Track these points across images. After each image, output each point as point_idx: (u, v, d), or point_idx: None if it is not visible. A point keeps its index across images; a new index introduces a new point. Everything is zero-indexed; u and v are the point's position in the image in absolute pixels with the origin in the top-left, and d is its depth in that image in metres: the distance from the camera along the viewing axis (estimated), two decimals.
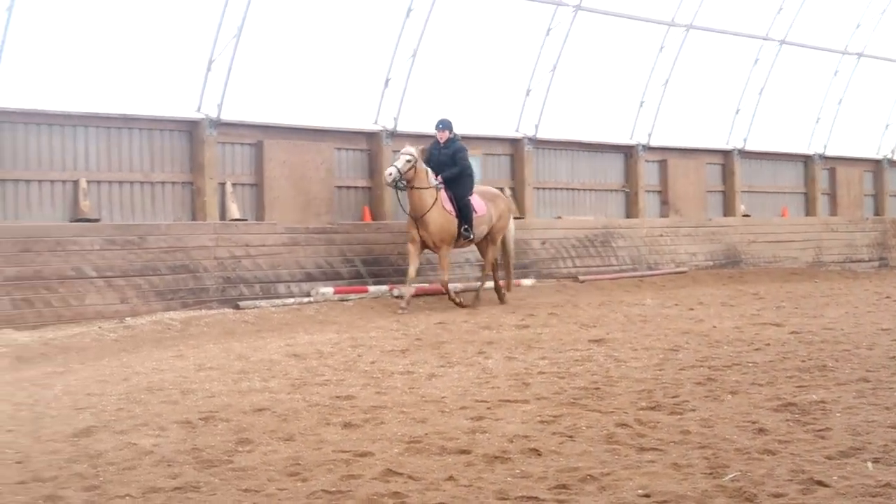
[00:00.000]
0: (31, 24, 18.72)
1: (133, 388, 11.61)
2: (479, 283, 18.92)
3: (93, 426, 9.52)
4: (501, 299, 18.36)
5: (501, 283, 18.83)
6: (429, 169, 16.61)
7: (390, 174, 15.95)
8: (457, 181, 16.78)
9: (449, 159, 16.74)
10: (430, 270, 21.30)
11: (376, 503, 6.64)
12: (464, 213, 16.62)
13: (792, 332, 14.92)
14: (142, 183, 19.86)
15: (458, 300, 17.06)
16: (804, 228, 32.42)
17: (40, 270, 16.81)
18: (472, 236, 16.96)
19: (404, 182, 16.40)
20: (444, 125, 16.95)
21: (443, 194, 16.70)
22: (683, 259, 27.80)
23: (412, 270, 16.43)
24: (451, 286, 17.91)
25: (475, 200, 17.08)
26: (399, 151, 15.88)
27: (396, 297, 18.03)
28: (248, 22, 20.34)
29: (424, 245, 16.72)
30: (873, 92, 33.21)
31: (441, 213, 16.42)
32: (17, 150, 18.41)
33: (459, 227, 16.68)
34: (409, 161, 15.96)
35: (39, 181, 18.69)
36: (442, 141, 16.97)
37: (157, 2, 19.88)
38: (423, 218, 16.31)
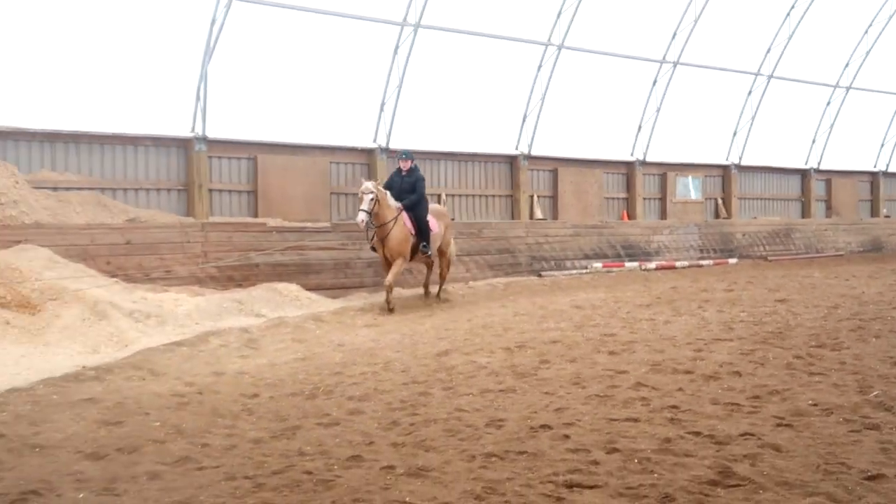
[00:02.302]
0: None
1: (474, 325, 14.12)
2: (437, 287, 18.41)
3: (448, 349, 11.66)
4: (428, 296, 18.04)
5: (433, 286, 18.37)
6: (387, 192, 15.92)
7: (362, 220, 15.34)
8: (416, 205, 16.17)
9: (410, 187, 16.10)
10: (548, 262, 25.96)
11: (630, 404, 8.07)
12: (423, 232, 16.14)
13: None
14: (480, 196, 25.23)
15: (390, 305, 16.00)
16: None
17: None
18: (430, 252, 16.54)
19: (373, 222, 15.69)
20: (407, 155, 16.42)
21: (403, 214, 16.04)
22: (841, 246, 32.09)
23: (392, 282, 15.91)
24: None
25: (430, 220, 16.47)
26: (361, 192, 15.29)
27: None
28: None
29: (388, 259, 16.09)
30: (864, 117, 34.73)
31: (401, 230, 15.82)
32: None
33: (418, 244, 16.16)
34: (372, 199, 15.15)
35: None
36: (405, 169, 16.32)
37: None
38: (386, 236, 15.75)
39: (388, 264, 15.98)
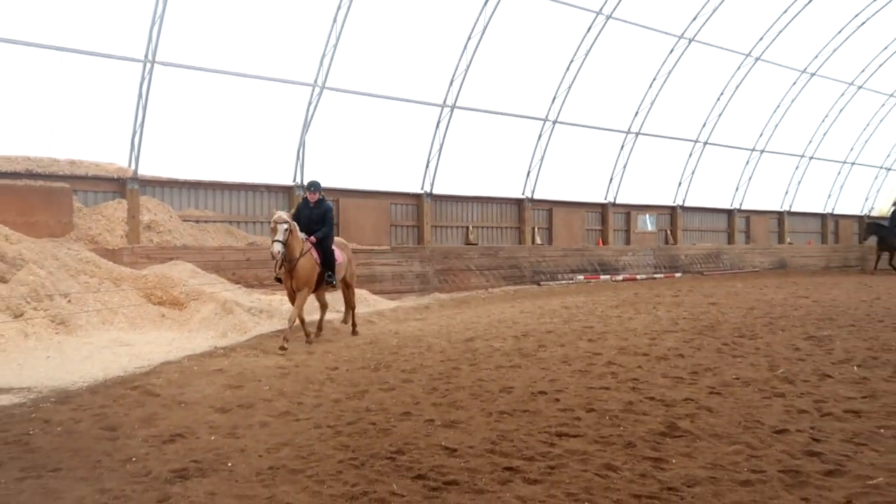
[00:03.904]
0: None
1: (491, 320, 14.15)
2: (342, 316, 13.57)
3: (473, 336, 11.77)
4: (354, 329, 12.78)
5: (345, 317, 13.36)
6: (295, 224, 11.38)
7: (278, 251, 10.96)
8: (324, 240, 11.85)
9: (320, 217, 11.81)
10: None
11: (603, 377, 8.19)
12: (328, 261, 11.85)
13: (814, 301, 16.79)
14: (496, 227, 25.17)
15: (308, 337, 11.67)
16: (819, 250, 36.28)
17: (452, 266, 21.64)
18: (335, 282, 12.11)
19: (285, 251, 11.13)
20: (315, 187, 12.00)
21: (312, 248, 11.61)
22: (757, 265, 31.90)
23: (299, 313, 11.28)
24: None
25: (336, 251, 12.14)
26: (274, 221, 11.10)
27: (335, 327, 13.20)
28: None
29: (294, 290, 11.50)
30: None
31: (309, 261, 11.46)
32: (445, 212, 23.86)
33: (323, 273, 11.77)
34: (286, 230, 10.98)
35: (454, 227, 24.07)
36: (312, 201, 11.97)
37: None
38: (295, 267, 11.28)
39: (293, 295, 11.51)
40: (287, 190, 20.19)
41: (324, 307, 12.70)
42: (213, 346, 11.12)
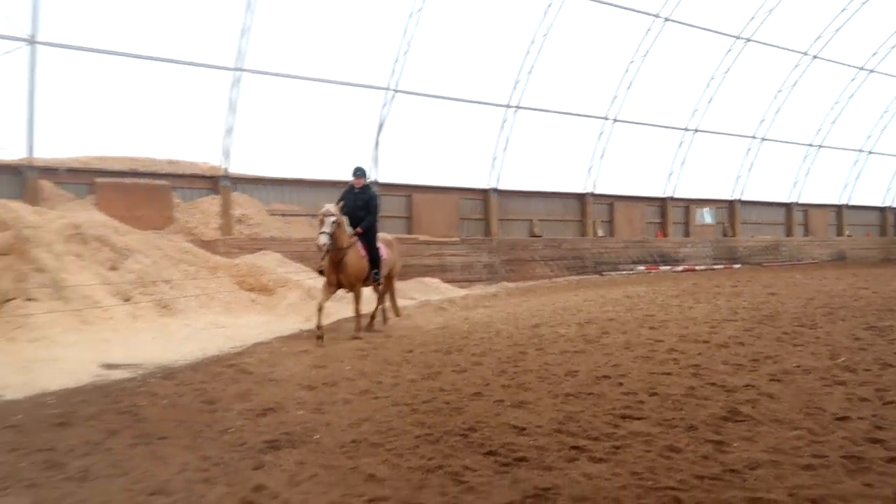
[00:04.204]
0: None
1: (556, 308, 13.92)
2: (378, 309, 12.12)
3: (539, 323, 11.55)
4: (385, 321, 12.07)
5: (388, 311, 12.31)
6: (344, 217, 10.51)
7: (325, 244, 10.06)
8: (372, 227, 10.97)
9: (364, 204, 10.86)
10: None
11: (665, 363, 7.89)
12: (374, 258, 11.02)
13: (874, 292, 16.01)
14: (560, 221, 24.90)
15: (359, 334, 10.66)
16: (878, 243, 34.82)
17: (517, 257, 21.66)
18: (380, 280, 11.31)
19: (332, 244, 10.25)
20: (361, 172, 11.12)
21: (357, 240, 10.75)
22: (815, 257, 30.87)
23: (323, 303, 10.35)
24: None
25: (380, 247, 11.28)
26: (321, 214, 10.20)
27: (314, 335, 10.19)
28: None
29: (340, 285, 10.68)
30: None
31: (357, 256, 10.63)
32: (511, 206, 23.80)
33: (370, 270, 10.95)
34: (334, 222, 10.10)
35: (519, 220, 23.95)
36: (357, 187, 11.04)
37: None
38: (342, 261, 10.43)
39: (330, 288, 10.65)
40: None
41: (380, 299, 11.94)
42: (299, 328, 11.31)
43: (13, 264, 10.79)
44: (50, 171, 15.41)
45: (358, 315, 10.76)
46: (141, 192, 16.16)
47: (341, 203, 10.46)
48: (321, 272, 10.90)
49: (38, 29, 14.65)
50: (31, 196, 14.80)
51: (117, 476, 4.59)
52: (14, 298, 10.31)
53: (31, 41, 14.67)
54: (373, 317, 11.86)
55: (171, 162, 17.31)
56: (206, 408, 6.32)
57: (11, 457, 4.98)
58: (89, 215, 13.96)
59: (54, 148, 15.69)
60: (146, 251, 13.24)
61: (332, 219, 10.02)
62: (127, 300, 11.69)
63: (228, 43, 17.21)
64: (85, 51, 15.59)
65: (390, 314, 12.06)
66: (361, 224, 10.71)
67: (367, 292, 11.43)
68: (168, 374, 7.85)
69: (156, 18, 16.38)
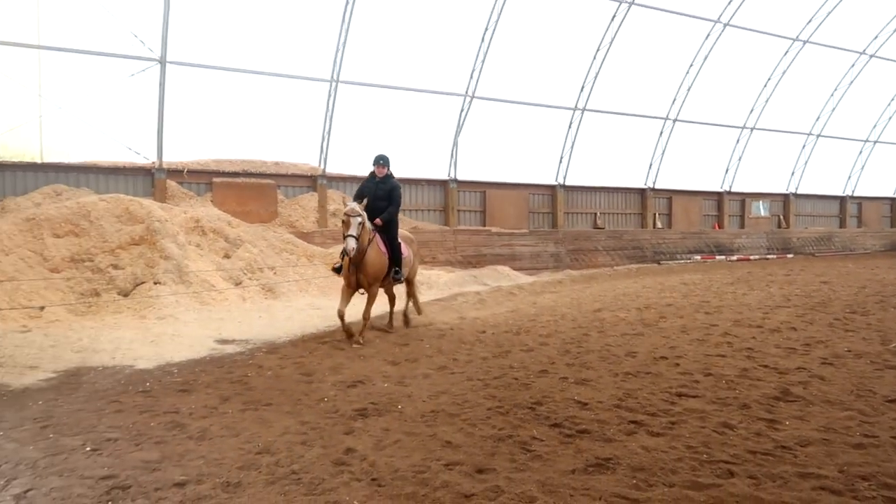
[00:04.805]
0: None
1: (616, 294, 13.63)
2: (403, 309, 10.10)
3: (601, 308, 11.40)
4: (407, 323, 9.90)
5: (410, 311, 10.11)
6: (365, 215, 8.56)
7: (353, 248, 8.25)
8: (390, 223, 9.07)
9: (386, 195, 9.03)
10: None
11: (720, 346, 7.69)
12: (396, 255, 9.13)
13: None
14: (621, 213, 24.25)
15: (360, 338, 8.42)
16: None
17: (581, 247, 21.22)
18: (402, 279, 9.35)
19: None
20: (384, 161, 9.19)
21: (377, 236, 8.88)
22: (868, 247, 29.19)
23: (344, 310, 8.57)
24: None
25: (402, 245, 9.34)
26: (346, 214, 8.38)
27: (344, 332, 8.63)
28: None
29: (359, 285, 8.77)
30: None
31: (378, 254, 8.79)
32: (576, 200, 23.17)
33: (390, 268, 9.06)
34: (360, 224, 8.38)
35: (583, 213, 23.31)
36: (380, 175, 9.14)
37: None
38: (362, 260, 8.59)
39: (349, 291, 8.76)
40: (443, 184, 20.39)
41: (392, 299, 10.02)
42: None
43: (145, 253, 11.35)
44: (175, 173, 16.11)
45: (366, 319, 8.62)
46: (251, 190, 16.71)
47: (363, 200, 8.61)
48: (336, 270, 9.04)
49: (167, 50, 15.28)
50: (159, 194, 15.53)
51: (230, 437, 4.78)
52: (145, 282, 10.86)
53: (161, 61, 15.33)
54: (404, 315, 10.00)
55: (276, 163, 17.81)
56: (305, 379, 6.50)
57: (143, 417, 5.25)
58: (207, 210, 14.56)
59: (179, 152, 16.40)
60: (254, 242, 13.68)
61: (358, 220, 8.29)
62: (238, 284, 12.11)
63: (325, 57, 17.56)
64: (205, 68, 16.20)
65: (413, 314, 10.08)
66: (381, 216, 8.85)
67: (398, 290, 9.95)
68: (272, 348, 8.10)
69: (264, 38, 16.86)
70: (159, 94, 15.53)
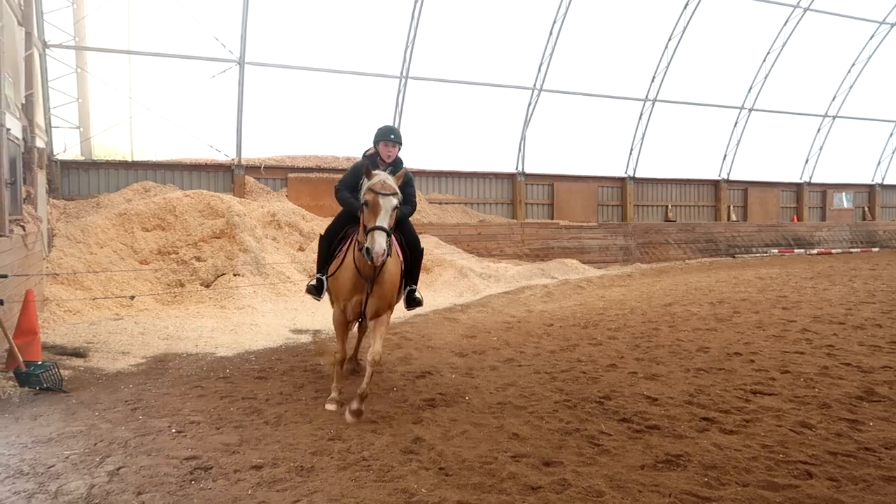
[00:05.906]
0: None
1: (688, 288, 13.14)
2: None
3: (671, 302, 11.08)
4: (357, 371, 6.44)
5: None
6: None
7: (383, 253, 4.56)
8: (406, 220, 5.64)
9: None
10: None
11: (798, 343, 7.38)
12: (414, 270, 5.74)
13: None
14: (694, 206, 23.45)
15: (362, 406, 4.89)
16: None
17: (651, 241, 20.62)
18: (421, 300, 5.78)
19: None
20: (396, 136, 5.60)
21: (393, 240, 5.07)
22: None
23: (345, 353, 5.47)
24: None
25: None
26: (372, 189, 4.73)
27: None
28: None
29: (361, 313, 5.13)
30: None
31: (396, 265, 5.23)
32: (646, 193, 22.58)
33: (401, 285, 5.49)
34: (395, 207, 4.80)
35: (654, 206, 22.83)
36: (387, 159, 5.55)
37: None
38: (380, 274, 4.97)
39: (348, 321, 5.33)
40: (510, 177, 20.27)
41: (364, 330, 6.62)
42: (453, 303, 11.54)
43: (225, 245, 11.79)
44: (253, 169, 16.61)
45: (378, 365, 5.16)
46: (324, 185, 17.07)
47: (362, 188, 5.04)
48: (314, 290, 5.58)
49: (246, 52, 15.75)
50: (238, 189, 16.06)
51: (304, 423, 4.91)
52: (225, 273, 11.28)
53: (240, 62, 15.83)
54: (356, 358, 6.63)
55: (347, 159, 18.08)
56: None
57: (223, 402, 5.46)
58: (282, 205, 14.97)
59: (256, 149, 16.90)
60: None
61: (394, 201, 4.87)
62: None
63: (395, 54, 17.72)
64: (280, 67, 16.64)
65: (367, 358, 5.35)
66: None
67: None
68: None
69: (335, 37, 17.16)
70: (238, 94, 16.04)
